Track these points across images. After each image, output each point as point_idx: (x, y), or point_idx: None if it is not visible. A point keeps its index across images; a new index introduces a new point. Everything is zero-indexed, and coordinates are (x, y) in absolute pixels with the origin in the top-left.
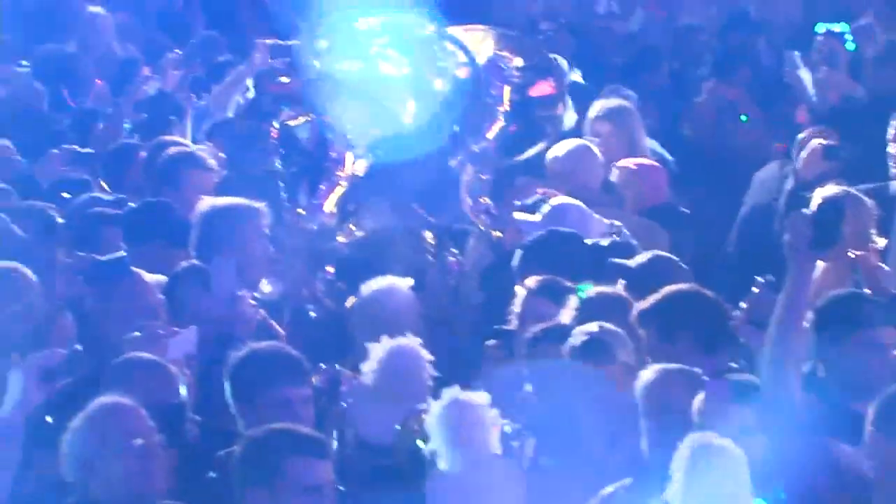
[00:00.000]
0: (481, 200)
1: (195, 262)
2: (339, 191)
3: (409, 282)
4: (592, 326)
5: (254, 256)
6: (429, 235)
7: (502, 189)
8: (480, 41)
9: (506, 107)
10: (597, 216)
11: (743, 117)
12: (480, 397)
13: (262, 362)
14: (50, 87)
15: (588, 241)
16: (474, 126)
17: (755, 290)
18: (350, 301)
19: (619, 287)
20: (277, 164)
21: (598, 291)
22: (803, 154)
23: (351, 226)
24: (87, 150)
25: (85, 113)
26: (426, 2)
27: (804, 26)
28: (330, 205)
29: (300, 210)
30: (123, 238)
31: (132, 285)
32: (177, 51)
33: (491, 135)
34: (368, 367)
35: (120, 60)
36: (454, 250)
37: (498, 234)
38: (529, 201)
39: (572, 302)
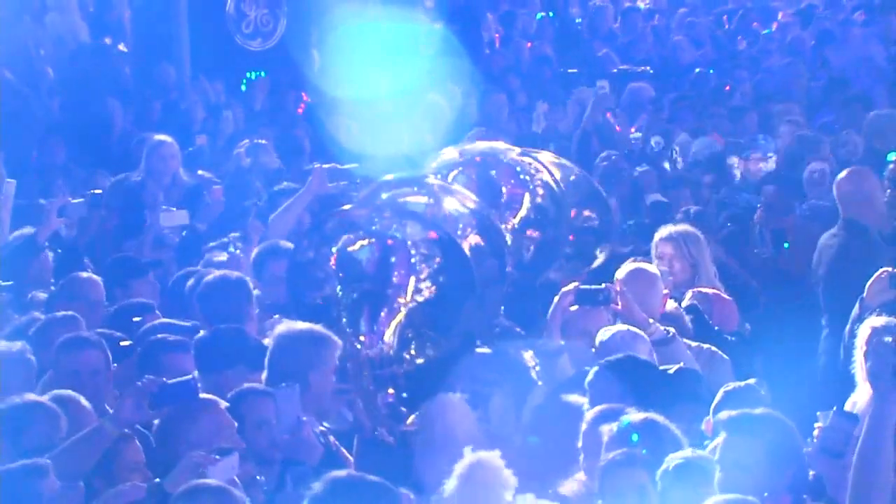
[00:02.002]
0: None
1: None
2: (399, 318)
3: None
4: (687, 452)
5: (320, 384)
6: (528, 356)
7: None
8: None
9: None
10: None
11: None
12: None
13: (345, 490)
14: (122, 215)
15: (655, 369)
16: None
17: (825, 418)
18: (410, 420)
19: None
20: (338, 290)
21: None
22: (869, 281)
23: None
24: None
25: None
26: None
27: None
28: (390, 333)
29: (361, 337)
30: (199, 365)
31: (200, 409)
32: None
33: None
34: (450, 483)
35: (187, 187)
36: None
37: None
38: None
39: (609, 429)
